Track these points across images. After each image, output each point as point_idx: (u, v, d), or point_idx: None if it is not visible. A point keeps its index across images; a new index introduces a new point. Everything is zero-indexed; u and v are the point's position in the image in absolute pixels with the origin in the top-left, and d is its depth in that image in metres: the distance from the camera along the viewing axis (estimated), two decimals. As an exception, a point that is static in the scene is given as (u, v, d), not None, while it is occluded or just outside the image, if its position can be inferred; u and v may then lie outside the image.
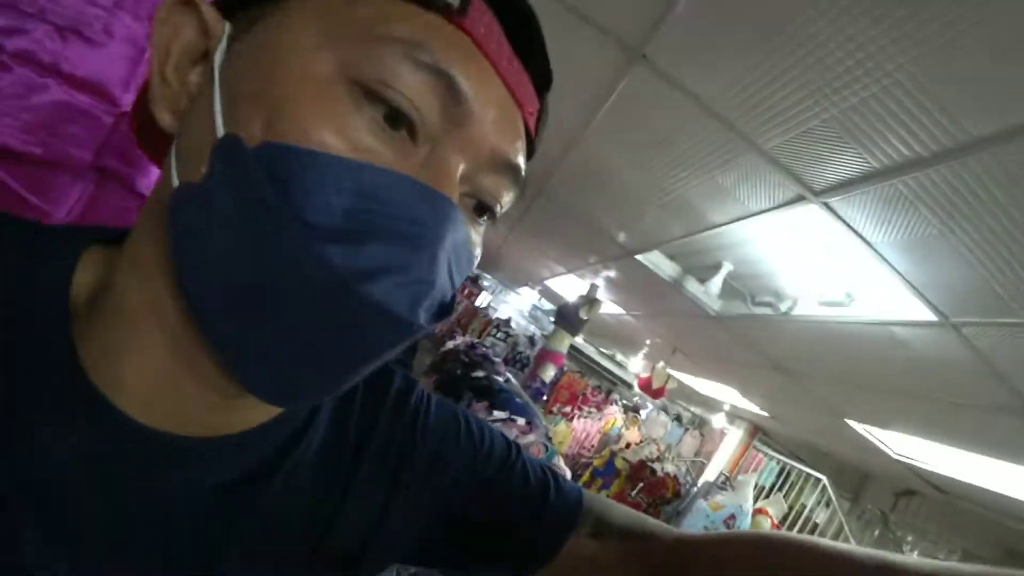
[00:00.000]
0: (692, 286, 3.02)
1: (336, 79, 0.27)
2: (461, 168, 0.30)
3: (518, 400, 2.97)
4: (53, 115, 0.75)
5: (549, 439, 3.68)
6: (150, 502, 0.32)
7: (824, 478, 4.92)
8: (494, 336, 7.50)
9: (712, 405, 6.41)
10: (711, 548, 0.45)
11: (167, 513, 0.32)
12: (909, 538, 5.67)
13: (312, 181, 0.25)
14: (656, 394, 4.32)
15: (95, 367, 0.30)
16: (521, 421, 2.77)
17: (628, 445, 4.20)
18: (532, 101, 0.34)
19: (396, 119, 0.27)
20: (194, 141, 0.28)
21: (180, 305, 0.29)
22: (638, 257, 2.93)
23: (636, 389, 6.40)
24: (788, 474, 5.20)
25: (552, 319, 4.44)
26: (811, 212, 1.61)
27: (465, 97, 0.28)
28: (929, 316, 1.81)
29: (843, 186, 1.42)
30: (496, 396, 2.92)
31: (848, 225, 1.57)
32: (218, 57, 0.29)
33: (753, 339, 3.08)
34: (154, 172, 0.92)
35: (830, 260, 1.89)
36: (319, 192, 0.25)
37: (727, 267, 2.57)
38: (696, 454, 6.01)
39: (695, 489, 3.73)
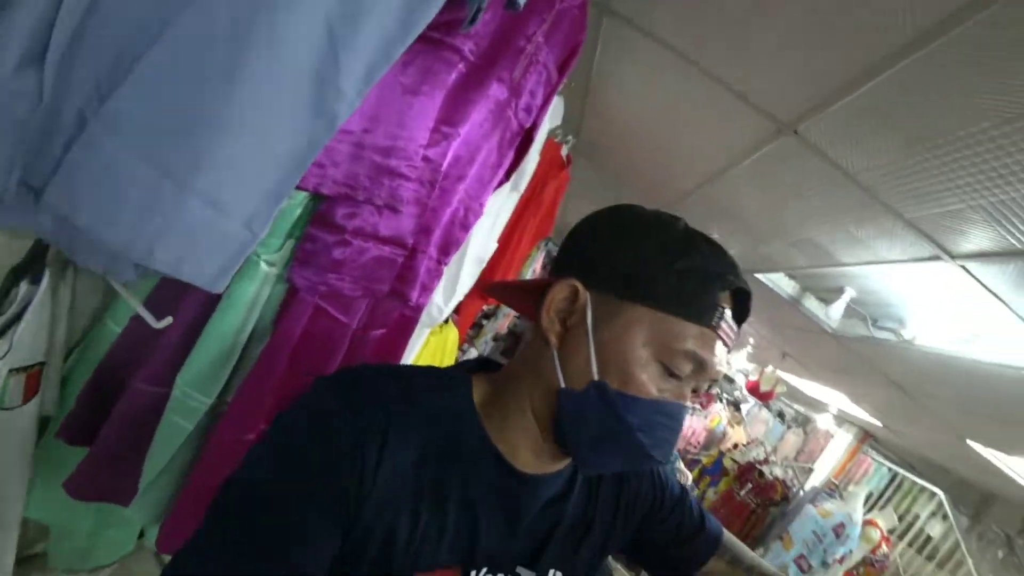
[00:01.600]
0: (811, 304, 3.09)
1: (651, 361, 0.56)
2: (691, 387, 0.59)
3: None
4: (371, 266, 1.02)
5: None
6: (525, 509, 0.62)
7: (940, 493, 4.72)
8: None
9: (818, 406, 6.27)
10: None
11: (531, 516, 0.62)
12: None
13: (638, 408, 0.55)
14: (764, 397, 4.40)
15: (496, 439, 0.59)
16: None
17: (735, 445, 4.33)
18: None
19: (674, 375, 0.56)
20: (575, 368, 0.57)
21: (534, 423, 0.60)
22: (758, 275, 3.04)
23: (739, 386, 6.40)
24: (901, 483, 5.05)
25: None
26: (946, 269, 1.71)
27: (707, 366, 0.57)
28: None
29: (984, 256, 1.52)
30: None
31: (984, 286, 1.66)
32: (589, 320, 0.57)
33: (870, 358, 3.11)
34: (419, 287, 1.20)
35: (960, 308, 1.96)
36: (638, 412, 0.56)
37: (850, 292, 2.63)
38: (798, 453, 5.96)
39: (802, 493, 3.82)
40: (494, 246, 1.90)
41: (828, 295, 2.75)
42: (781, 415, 7.21)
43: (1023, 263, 1.42)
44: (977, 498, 5.67)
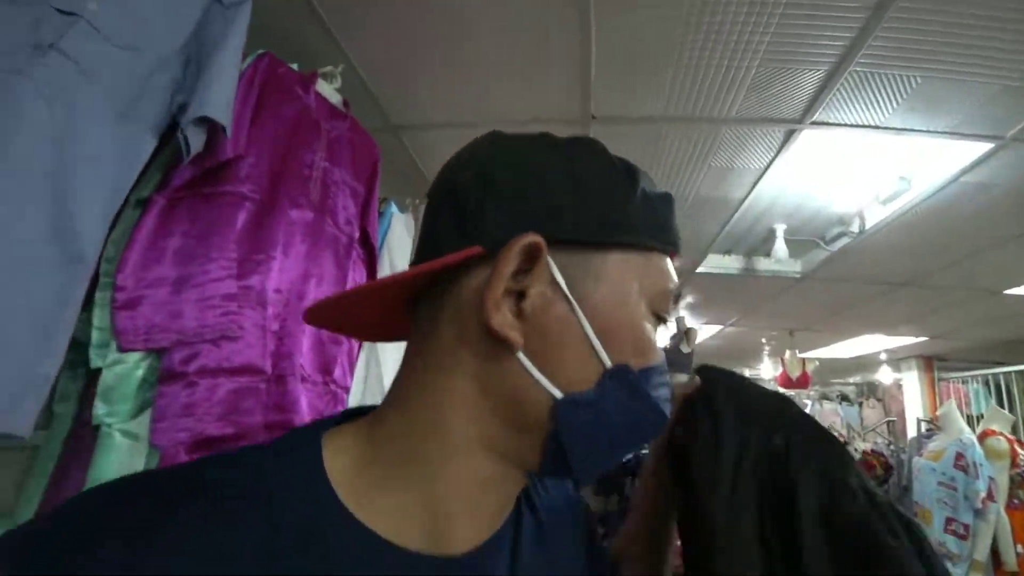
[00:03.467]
0: (763, 264, 2.99)
1: (648, 315, 0.42)
2: None
3: None
4: (231, 401, 0.99)
5: None
6: None
7: (1034, 364, 4.29)
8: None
9: (868, 365, 5.86)
10: None
11: None
12: None
13: (656, 375, 0.42)
14: (801, 383, 4.03)
15: (392, 520, 0.37)
16: None
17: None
18: None
19: (661, 321, 0.43)
20: (570, 363, 0.38)
21: (490, 465, 0.40)
22: (699, 270, 2.96)
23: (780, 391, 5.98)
24: (998, 386, 4.51)
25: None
26: (809, 136, 1.70)
27: (677, 296, 0.52)
28: (984, 147, 1.77)
29: (810, 104, 1.53)
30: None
31: (846, 125, 1.64)
32: (565, 286, 0.38)
33: (853, 274, 2.96)
34: (308, 412, 1.13)
35: (856, 164, 1.92)
36: (657, 383, 0.42)
37: (780, 227, 2.58)
38: (886, 422, 5.38)
39: (903, 455, 3.33)
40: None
41: (769, 245, 2.67)
42: (845, 397, 6.67)
43: (843, 75, 1.42)
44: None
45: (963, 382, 4.79)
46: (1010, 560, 2.49)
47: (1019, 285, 3.13)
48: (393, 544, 0.36)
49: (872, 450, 3.38)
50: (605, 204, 0.40)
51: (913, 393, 5.27)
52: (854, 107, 1.55)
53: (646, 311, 0.41)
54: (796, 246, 2.74)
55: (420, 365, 0.41)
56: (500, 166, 0.41)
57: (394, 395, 0.42)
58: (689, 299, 3.66)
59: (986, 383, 4.64)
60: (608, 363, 0.38)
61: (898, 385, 5.69)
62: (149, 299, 0.91)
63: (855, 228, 2.51)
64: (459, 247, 0.37)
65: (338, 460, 0.38)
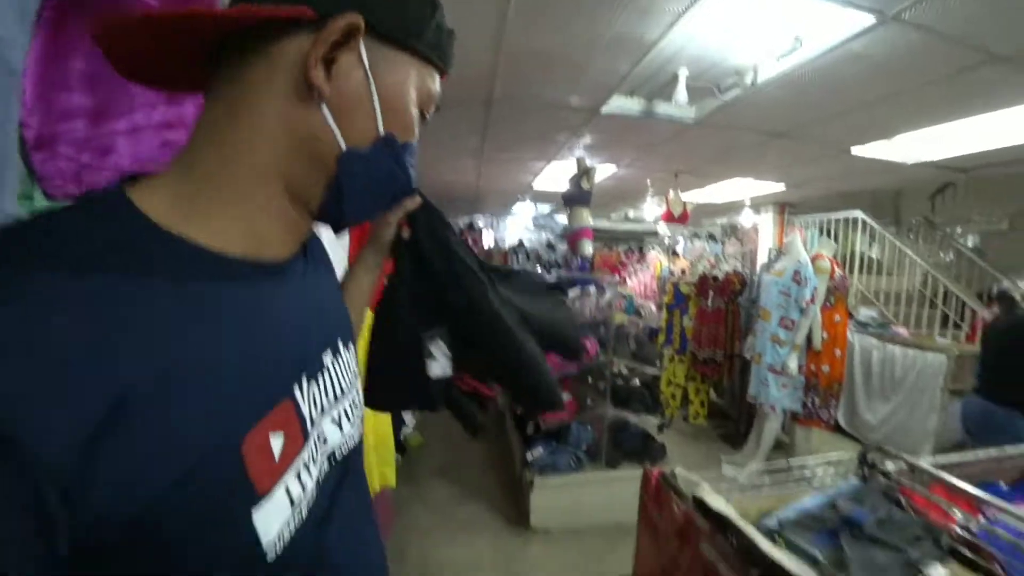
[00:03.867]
0: (662, 108, 3.16)
1: (415, 108, 0.55)
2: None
3: (577, 276, 3.28)
4: None
5: (622, 293, 3.96)
6: (297, 297, 0.56)
7: (859, 212, 5.14)
8: (518, 262, 7.78)
9: (735, 208, 6.62)
10: None
11: (306, 300, 0.58)
12: (959, 229, 5.90)
13: (411, 152, 0.56)
14: (682, 219, 4.55)
15: (220, 240, 0.45)
16: (592, 288, 3.07)
17: (683, 271, 4.49)
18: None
19: (422, 117, 0.58)
20: (358, 123, 0.50)
21: (287, 201, 0.50)
22: (603, 110, 3.07)
23: (663, 230, 6.62)
24: (831, 231, 5.41)
25: (561, 216, 4.58)
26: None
27: (438, 105, 0.60)
28: (869, 19, 1.97)
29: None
30: (559, 285, 3.22)
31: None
32: (368, 65, 0.49)
33: (738, 123, 3.24)
34: None
35: (759, 20, 2.04)
36: (411, 155, 0.56)
37: (683, 72, 2.71)
38: (741, 256, 6.31)
39: (755, 277, 4.02)
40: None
41: (670, 89, 2.80)
42: (711, 236, 7.58)
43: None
44: (890, 203, 6.22)
45: (804, 226, 5.65)
46: (817, 343, 3.39)
47: (862, 144, 3.64)
48: (218, 251, 0.44)
49: (734, 271, 4.08)
50: (414, 18, 0.52)
51: (767, 233, 6.16)
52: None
53: (415, 105, 0.54)
54: (693, 93, 2.91)
55: (227, 111, 0.47)
56: None
57: (203, 139, 0.47)
58: (589, 139, 3.80)
59: (820, 228, 5.55)
60: (383, 131, 0.51)
61: (755, 228, 6.55)
62: (65, 135, 0.79)
63: (748, 80, 2.70)
64: (287, 3, 0.44)
65: (152, 200, 0.42)
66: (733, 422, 4.30)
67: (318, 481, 0.51)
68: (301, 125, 0.47)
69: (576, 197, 4.02)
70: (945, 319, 4.67)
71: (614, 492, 2.82)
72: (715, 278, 4.04)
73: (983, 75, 2.36)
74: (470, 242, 8.51)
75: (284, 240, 0.52)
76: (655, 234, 6.87)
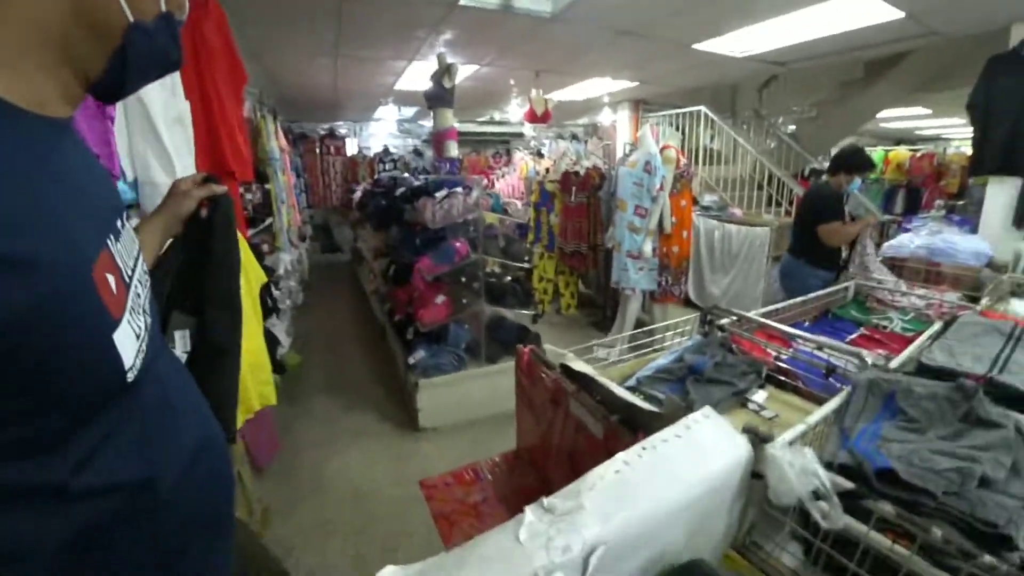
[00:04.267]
0: (519, 1, 3.05)
1: None
2: None
3: (445, 178, 3.23)
4: None
5: (488, 193, 3.99)
6: (75, 155, 0.58)
7: (702, 107, 5.55)
8: (385, 170, 7.42)
9: (595, 106, 6.79)
10: None
11: (81, 161, 0.59)
12: (780, 119, 6.67)
13: (175, 27, 0.59)
14: (544, 119, 4.58)
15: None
16: (459, 189, 3.04)
17: (547, 170, 4.60)
18: None
19: None
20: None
21: (68, 70, 0.52)
22: (461, 1, 2.89)
23: (528, 131, 6.68)
24: (678, 126, 5.81)
25: (427, 121, 4.39)
26: None
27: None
28: None
29: None
30: (427, 188, 3.16)
31: None
32: None
33: (594, 17, 3.24)
34: None
35: None
36: (177, 30, 0.60)
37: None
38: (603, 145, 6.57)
39: (613, 171, 4.25)
40: (184, 104, 1.78)
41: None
42: (574, 136, 7.77)
43: None
44: (727, 99, 6.76)
45: (656, 122, 5.99)
46: (667, 226, 3.73)
47: (699, 41, 3.84)
48: (12, 104, 0.47)
49: (594, 166, 4.25)
50: None
51: (623, 129, 6.45)
52: None
53: None
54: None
55: None
56: None
57: None
58: (449, 35, 3.60)
59: (670, 123, 5.93)
60: (164, 7, 0.56)
61: (614, 126, 6.80)
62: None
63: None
64: None
65: None
66: (601, 309, 4.69)
67: (145, 325, 0.59)
68: None
69: (439, 96, 3.85)
70: (770, 199, 5.35)
71: (496, 384, 3.00)
72: (576, 174, 4.20)
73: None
74: (332, 151, 7.94)
75: (62, 104, 0.53)
76: (521, 136, 6.88)
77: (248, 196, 3.54)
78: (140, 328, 0.56)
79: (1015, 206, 3.02)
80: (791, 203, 5.11)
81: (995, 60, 3.05)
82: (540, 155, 6.67)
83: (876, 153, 8.31)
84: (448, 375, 2.98)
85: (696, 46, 3.92)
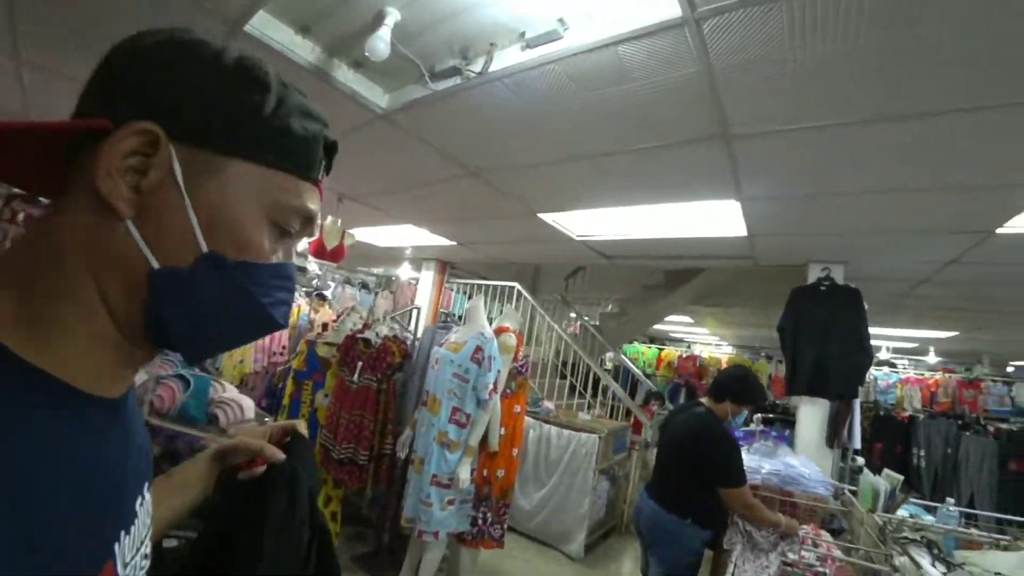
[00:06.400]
0: (343, 74, 2.03)
1: (262, 221, 0.48)
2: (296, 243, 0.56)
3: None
4: None
5: (207, 369, 2.53)
6: (127, 439, 0.52)
7: (517, 284, 5.05)
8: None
9: (395, 257, 5.87)
10: None
11: (136, 441, 0.55)
12: (578, 308, 6.71)
13: (259, 275, 0.49)
14: (335, 256, 3.36)
15: (54, 368, 0.41)
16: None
17: (325, 327, 3.28)
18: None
19: (285, 233, 0.51)
20: (171, 240, 0.44)
21: (111, 324, 0.45)
22: (246, 28, 1.74)
23: (311, 266, 5.32)
24: (470, 296, 5.26)
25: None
26: None
27: (313, 219, 0.53)
28: (673, 11, 1.35)
29: None
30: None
31: None
32: (180, 178, 0.43)
33: (440, 133, 2.37)
34: None
35: None
36: (260, 280, 0.49)
37: (393, 15, 1.66)
38: (393, 312, 5.49)
39: (418, 343, 3.14)
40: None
41: (361, 50, 1.71)
42: (365, 285, 6.65)
43: None
44: (530, 278, 6.53)
45: (464, 291, 5.32)
46: (494, 443, 2.58)
47: (551, 212, 3.30)
48: (69, 384, 0.41)
49: (394, 336, 3.02)
50: (232, 116, 0.45)
51: (426, 289, 5.54)
52: None
53: (261, 218, 0.47)
54: (395, 66, 1.91)
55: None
56: (157, 59, 0.45)
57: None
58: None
59: (464, 292, 5.39)
60: (204, 248, 0.45)
61: (410, 284, 5.91)
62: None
63: (477, 67, 1.85)
64: (99, 115, 0.43)
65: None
66: (375, 536, 3.19)
67: None
68: (107, 242, 0.43)
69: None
70: (572, 388, 4.95)
71: None
72: (367, 342, 2.94)
73: (708, 152, 2.08)
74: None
75: (112, 375, 0.46)
76: (303, 271, 5.52)
77: None
78: None
79: (826, 428, 3.22)
80: (594, 395, 5.01)
81: (799, 291, 3.36)
82: (322, 298, 5.31)
83: (650, 351, 9.29)
84: None
85: (542, 215, 3.33)
